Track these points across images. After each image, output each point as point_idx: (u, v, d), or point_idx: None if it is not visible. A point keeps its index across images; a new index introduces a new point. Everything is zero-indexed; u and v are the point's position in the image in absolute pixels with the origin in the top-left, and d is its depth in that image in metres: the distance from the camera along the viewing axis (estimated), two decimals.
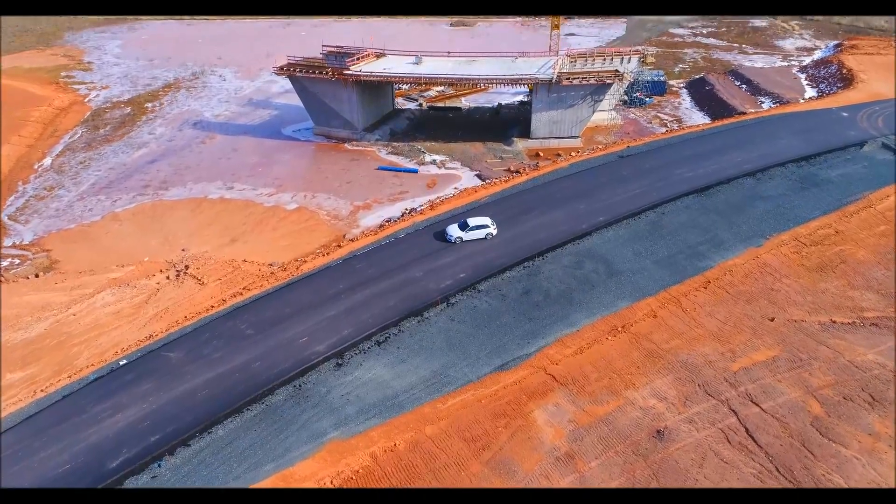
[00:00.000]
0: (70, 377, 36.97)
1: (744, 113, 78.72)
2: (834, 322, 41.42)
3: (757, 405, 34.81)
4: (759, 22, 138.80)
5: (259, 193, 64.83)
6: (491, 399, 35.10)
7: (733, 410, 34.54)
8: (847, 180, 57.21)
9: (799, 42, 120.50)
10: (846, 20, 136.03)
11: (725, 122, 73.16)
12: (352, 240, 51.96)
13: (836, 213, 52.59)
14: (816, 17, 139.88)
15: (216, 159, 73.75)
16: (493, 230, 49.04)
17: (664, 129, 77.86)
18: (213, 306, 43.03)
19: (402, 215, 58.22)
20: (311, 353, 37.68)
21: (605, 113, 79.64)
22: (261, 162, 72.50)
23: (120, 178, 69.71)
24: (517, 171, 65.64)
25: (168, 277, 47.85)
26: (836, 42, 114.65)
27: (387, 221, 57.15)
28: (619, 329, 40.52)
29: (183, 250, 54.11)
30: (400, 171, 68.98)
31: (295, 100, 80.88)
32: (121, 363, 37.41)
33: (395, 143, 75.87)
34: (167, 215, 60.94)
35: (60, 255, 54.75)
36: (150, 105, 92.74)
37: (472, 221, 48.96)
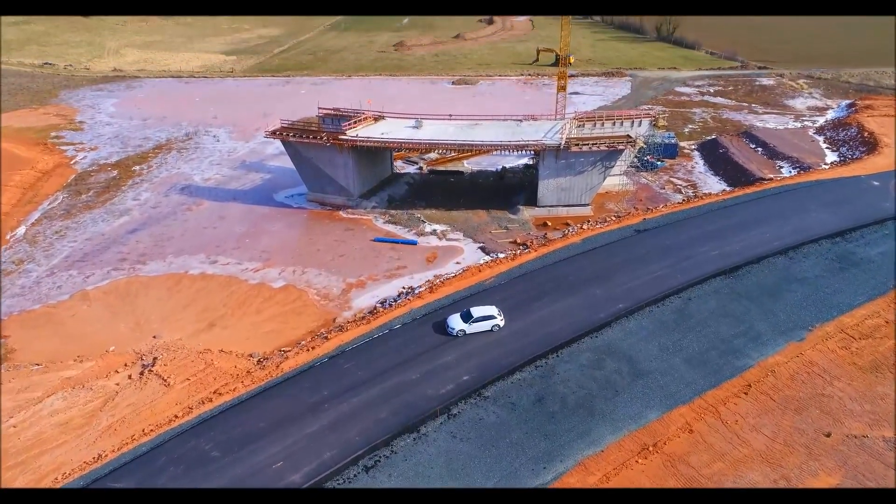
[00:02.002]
0: None
1: (763, 179, 74.26)
2: None
3: None
4: (766, 81, 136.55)
5: (244, 269, 59.60)
6: None
7: None
8: (889, 259, 51.94)
9: (809, 101, 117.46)
10: (855, 78, 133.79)
11: (747, 190, 68.43)
12: (341, 329, 46.29)
13: (883, 299, 47.12)
14: (825, 76, 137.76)
15: (201, 229, 68.85)
16: (499, 321, 43.43)
17: (680, 196, 73.20)
18: (176, 416, 37.13)
19: (399, 295, 52.87)
20: (284, 483, 31.56)
21: (615, 178, 75.10)
22: (249, 232, 67.57)
23: (96, 250, 64.64)
24: (524, 245, 60.55)
25: (130, 376, 42.04)
26: (848, 102, 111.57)
27: (381, 304, 51.71)
28: (650, 448, 34.49)
29: (154, 337, 48.49)
30: (398, 242, 63.91)
31: (290, 162, 76.55)
32: None
33: (392, 212, 71.10)
34: (141, 294, 55.51)
35: (18, 343, 48.99)
36: (137, 168, 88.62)
37: (476, 311, 43.38)
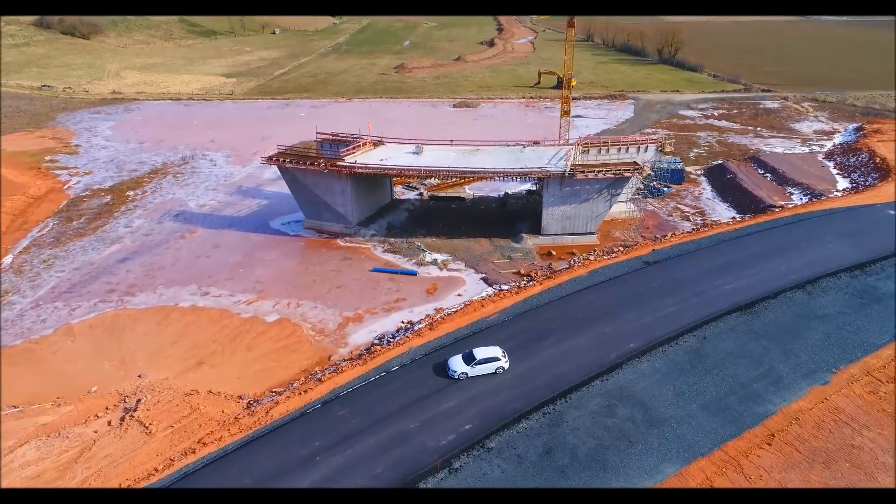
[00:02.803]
0: None
1: (773, 206, 72.09)
2: None
3: None
4: (771, 104, 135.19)
5: (237, 301, 57.16)
6: None
7: None
8: None
9: (816, 125, 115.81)
10: (861, 102, 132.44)
11: (759, 220, 66.10)
12: (335, 370, 43.70)
13: None
14: (829, 99, 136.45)
15: (194, 258, 66.55)
16: (504, 363, 40.89)
17: (688, 224, 70.97)
18: (156, 470, 34.48)
19: (398, 331, 50.37)
20: None
21: (621, 205, 72.99)
22: (243, 261, 65.23)
23: (84, 280, 62.29)
24: (529, 276, 58.19)
25: (110, 423, 39.41)
26: (855, 125, 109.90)
27: (378, 340, 49.19)
28: None
29: (139, 377, 45.98)
30: (397, 273, 61.54)
31: (287, 188, 74.50)
32: None
33: (392, 240, 68.80)
34: (129, 329, 53.02)
35: None
36: (131, 193, 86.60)
37: (479, 353, 40.87)
